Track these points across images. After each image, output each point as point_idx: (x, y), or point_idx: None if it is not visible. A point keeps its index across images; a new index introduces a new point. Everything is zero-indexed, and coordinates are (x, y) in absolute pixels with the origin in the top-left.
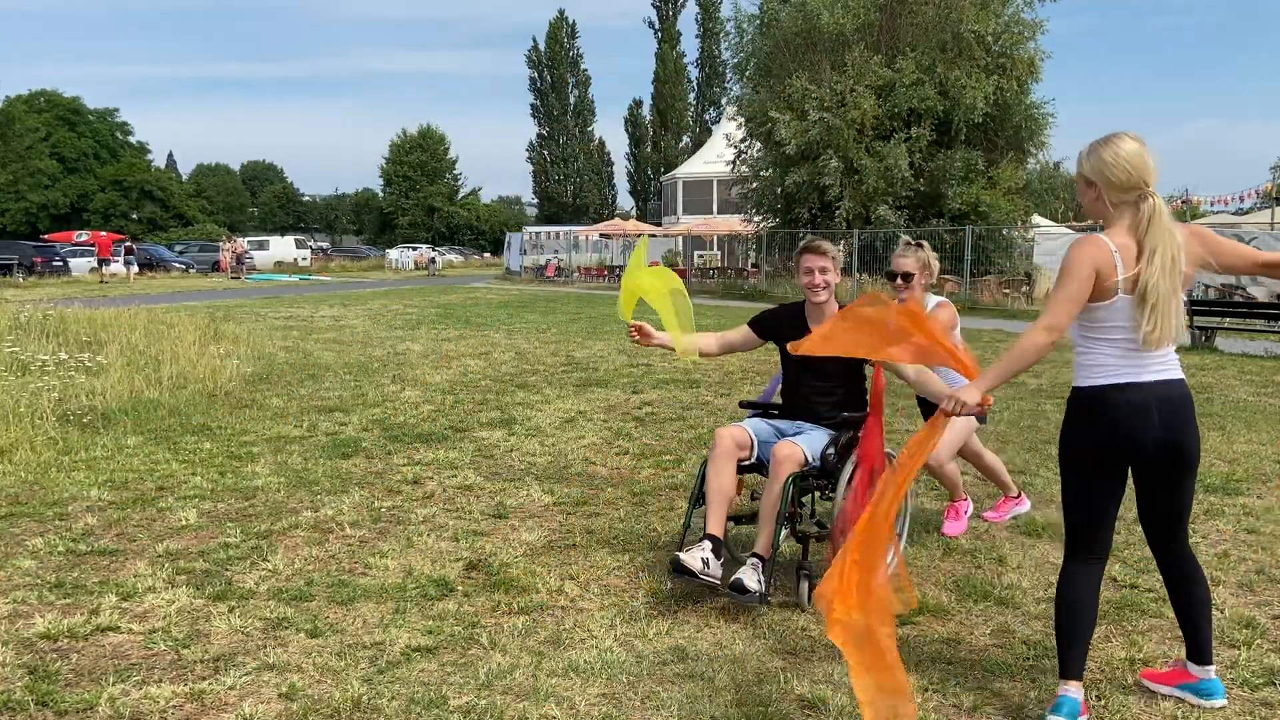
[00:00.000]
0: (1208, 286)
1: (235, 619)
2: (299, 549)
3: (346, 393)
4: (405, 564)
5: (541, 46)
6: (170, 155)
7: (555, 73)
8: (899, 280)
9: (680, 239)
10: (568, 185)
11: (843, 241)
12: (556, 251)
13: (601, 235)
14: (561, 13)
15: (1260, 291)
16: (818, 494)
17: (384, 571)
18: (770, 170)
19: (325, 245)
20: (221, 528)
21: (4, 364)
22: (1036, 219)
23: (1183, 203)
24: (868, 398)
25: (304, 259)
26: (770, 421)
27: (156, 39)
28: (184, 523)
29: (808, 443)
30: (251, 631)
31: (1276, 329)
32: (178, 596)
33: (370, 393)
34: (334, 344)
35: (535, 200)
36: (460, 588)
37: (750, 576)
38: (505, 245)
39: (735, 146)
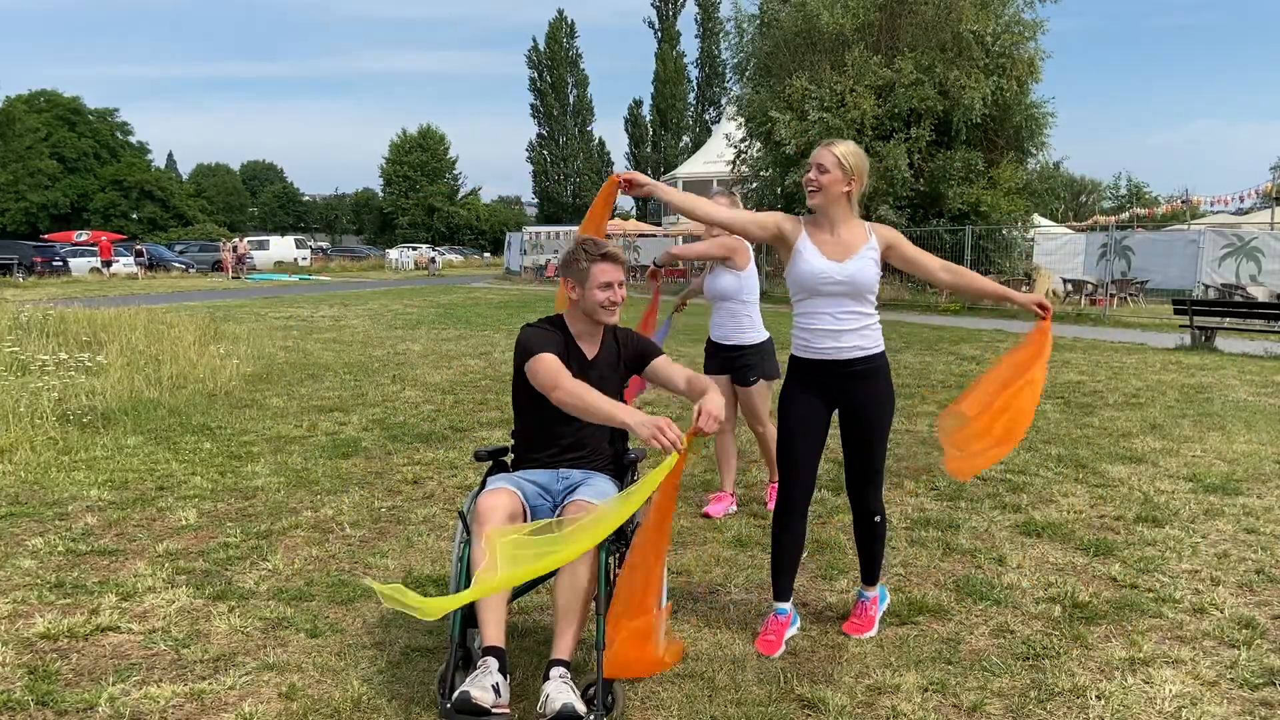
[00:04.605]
0: (1208, 287)
1: (235, 619)
2: (299, 549)
3: (346, 393)
4: (405, 564)
5: (541, 46)
6: (170, 155)
7: (555, 73)
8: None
9: (680, 239)
10: (568, 185)
11: None
12: (556, 251)
13: None
14: (561, 13)
15: (1260, 291)
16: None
17: (384, 571)
18: (770, 170)
19: (325, 245)
20: (221, 528)
21: (4, 364)
22: (1036, 219)
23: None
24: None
25: (304, 259)
26: (524, 475)
27: (156, 39)
28: (184, 523)
29: (603, 498)
30: (251, 631)
31: (1276, 329)
32: (178, 596)
33: (370, 392)
34: (334, 344)
35: (535, 200)
36: None
37: (570, 695)
38: (505, 245)
39: (735, 146)
